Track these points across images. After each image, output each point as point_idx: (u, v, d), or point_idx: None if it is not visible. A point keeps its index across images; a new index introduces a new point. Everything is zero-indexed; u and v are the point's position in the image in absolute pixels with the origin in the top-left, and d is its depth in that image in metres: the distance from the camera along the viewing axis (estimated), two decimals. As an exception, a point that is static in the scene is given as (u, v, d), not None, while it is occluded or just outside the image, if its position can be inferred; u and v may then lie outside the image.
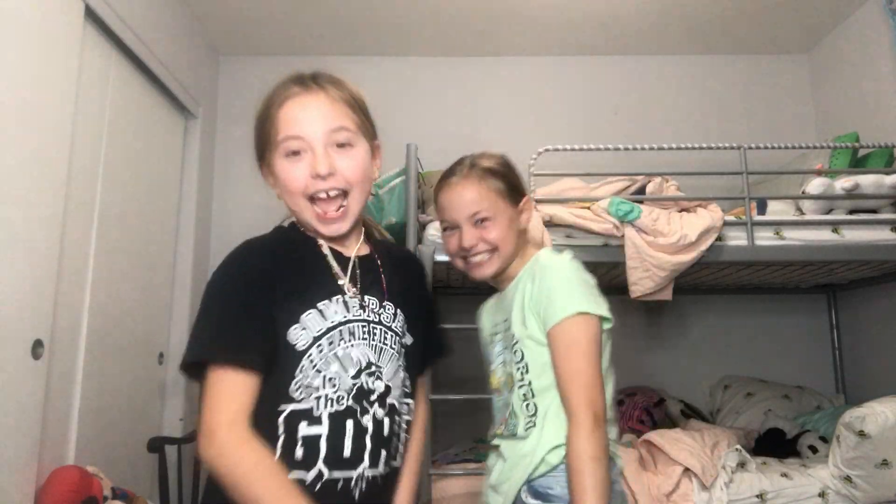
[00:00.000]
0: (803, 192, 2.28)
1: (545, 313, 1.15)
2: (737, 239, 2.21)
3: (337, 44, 3.17)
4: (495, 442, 1.24)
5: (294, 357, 0.96)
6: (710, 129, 3.18)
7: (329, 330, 0.99)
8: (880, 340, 2.78)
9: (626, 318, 2.98)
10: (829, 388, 2.99)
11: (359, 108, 1.07)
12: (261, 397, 0.95)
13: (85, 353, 2.04)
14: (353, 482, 0.97)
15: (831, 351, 3.05)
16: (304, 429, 0.95)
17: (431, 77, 3.31)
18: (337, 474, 0.96)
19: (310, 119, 1.02)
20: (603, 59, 3.28)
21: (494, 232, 1.22)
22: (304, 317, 0.98)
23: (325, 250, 1.06)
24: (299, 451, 0.95)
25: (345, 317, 1.01)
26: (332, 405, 0.97)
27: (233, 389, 0.93)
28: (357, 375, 1.00)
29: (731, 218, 2.23)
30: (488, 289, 1.34)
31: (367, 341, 1.03)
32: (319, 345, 0.98)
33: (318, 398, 0.96)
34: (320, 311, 1.00)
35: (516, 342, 1.19)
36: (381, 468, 1.00)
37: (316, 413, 0.96)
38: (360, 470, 0.97)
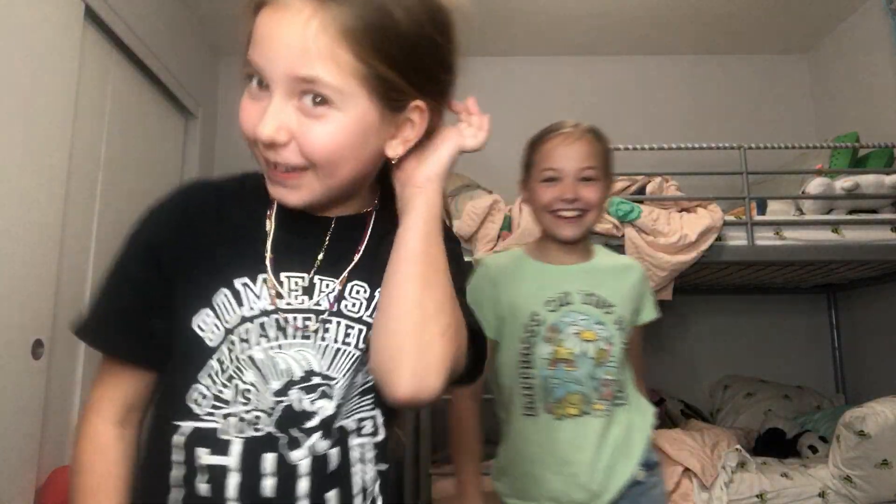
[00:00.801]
0: (803, 192, 2.28)
1: (642, 309, 1.34)
2: (737, 239, 2.21)
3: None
4: (596, 408, 1.24)
5: (200, 355, 0.70)
6: (710, 129, 3.17)
7: (244, 321, 0.70)
8: (880, 340, 2.78)
9: (626, 318, 2.98)
10: (829, 388, 2.99)
11: (383, 45, 0.67)
12: (158, 401, 0.73)
13: (85, 353, 2.04)
14: None
15: (831, 351, 3.04)
16: (205, 456, 0.68)
17: (431, 77, 3.30)
18: None
19: (276, 45, 0.66)
20: (603, 59, 3.28)
21: (595, 193, 1.25)
22: (215, 299, 0.70)
23: (271, 218, 0.74)
24: (203, 487, 0.68)
25: (271, 304, 0.71)
26: (245, 429, 0.69)
27: (112, 379, 0.73)
28: (284, 391, 0.70)
29: (731, 218, 2.23)
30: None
31: (310, 341, 0.71)
32: (231, 341, 0.70)
33: (228, 416, 0.69)
34: (235, 293, 0.70)
35: (622, 322, 1.26)
36: None
37: (222, 436, 0.68)
38: None
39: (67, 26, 1.94)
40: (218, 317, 0.70)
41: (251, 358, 0.69)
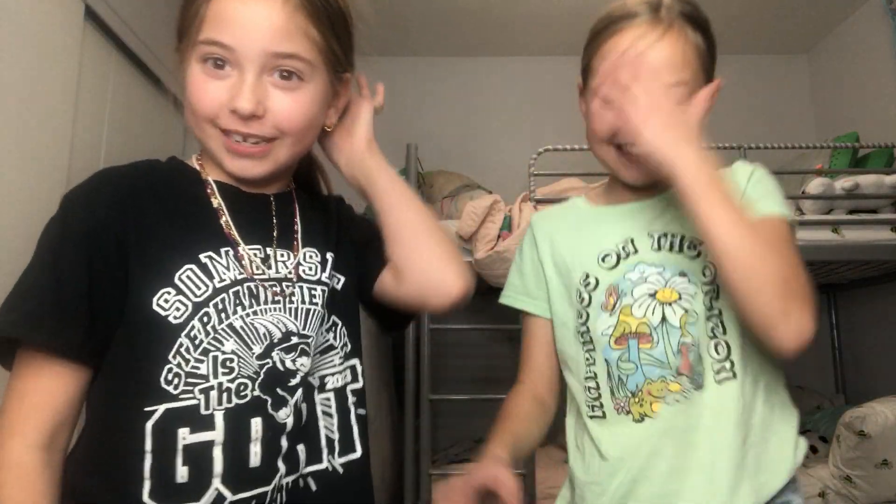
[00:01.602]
0: (803, 192, 2.28)
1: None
2: (737, 239, 2.20)
3: (337, 44, 3.18)
4: (653, 412, 0.86)
5: (166, 334, 0.68)
6: (710, 129, 3.17)
7: (218, 292, 0.70)
8: (880, 340, 2.78)
9: (626, 318, 2.97)
10: (829, 388, 2.99)
11: (332, 23, 0.76)
12: (112, 396, 0.68)
13: None
14: (268, 498, 0.69)
15: (831, 351, 3.04)
16: (185, 436, 0.66)
17: (431, 77, 3.31)
18: (244, 495, 0.68)
19: (250, 26, 0.70)
20: (603, 59, 3.28)
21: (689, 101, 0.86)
22: (179, 275, 0.69)
23: (211, 188, 0.77)
24: (182, 471, 0.66)
25: (240, 274, 0.72)
26: (228, 399, 0.68)
27: (36, 390, 0.66)
28: (266, 353, 0.71)
29: (731, 218, 2.22)
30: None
31: (279, 305, 0.74)
32: (205, 314, 0.69)
33: (207, 391, 0.67)
34: (203, 267, 0.71)
35: (707, 263, 0.87)
36: (299, 473, 0.73)
37: (204, 412, 0.67)
38: (274, 482, 0.69)
39: (67, 26, 1.94)
40: (183, 293, 0.69)
41: (231, 326, 0.70)
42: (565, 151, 2.34)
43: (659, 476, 0.85)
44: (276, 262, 0.77)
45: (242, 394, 0.69)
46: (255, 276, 0.74)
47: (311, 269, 0.80)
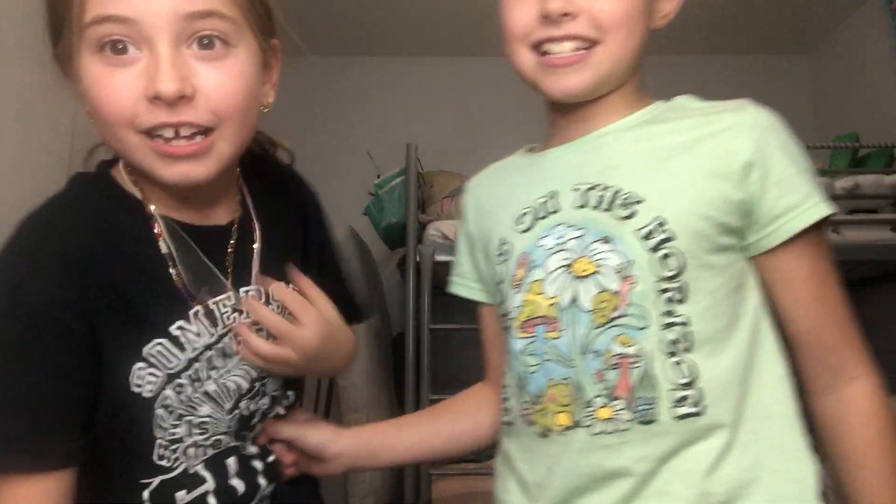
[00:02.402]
0: (803, 192, 2.28)
1: (760, 209, 0.67)
2: (737, 239, 2.20)
3: (336, 43, 3.17)
4: (602, 415, 0.65)
5: (142, 409, 0.64)
6: (710, 129, 3.18)
7: (192, 362, 0.66)
8: (880, 340, 2.77)
9: (626, 318, 2.97)
10: (829, 388, 2.99)
11: None
12: (106, 473, 0.65)
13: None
14: None
15: (831, 351, 3.04)
16: (183, 497, 0.66)
17: (431, 77, 3.31)
18: None
19: None
20: (603, 59, 3.29)
21: (610, 2, 0.69)
22: (148, 350, 0.63)
23: (163, 238, 0.65)
24: None
25: (212, 335, 0.67)
26: (205, 452, 0.68)
27: (30, 500, 0.59)
28: (235, 405, 0.70)
29: (731, 218, 2.22)
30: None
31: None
32: (178, 385, 0.65)
33: (187, 450, 0.67)
34: (174, 340, 0.65)
35: (665, 233, 0.65)
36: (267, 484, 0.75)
37: (191, 471, 0.67)
38: (258, 497, 0.73)
39: (67, 26, 1.94)
40: (154, 366, 0.64)
41: (205, 393, 0.67)
42: (565, 151, 2.33)
43: None
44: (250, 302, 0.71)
45: (218, 446, 0.70)
46: (225, 331, 0.69)
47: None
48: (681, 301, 0.65)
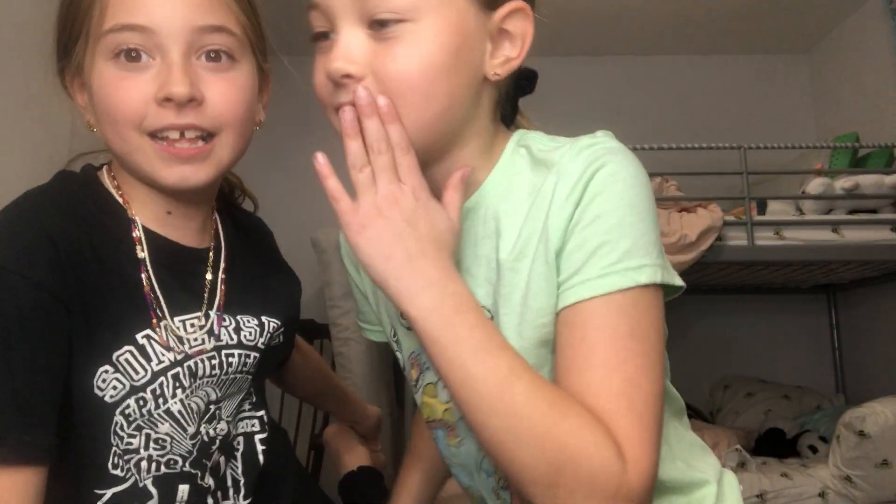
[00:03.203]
0: (803, 192, 2.28)
1: (565, 266, 0.59)
2: (737, 239, 2.20)
3: (337, 44, 3.18)
4: None
5: (102, 413, 0.63)
6: (710, 129, 3.17)
7: (156, 376, 0.65)
8: (880, 340, 2.78)
9: (626, 318, 2.97)
10: (829, 388, 2.99)
11: (252, 5, 0.69)
12: (66, 476, 0.63)
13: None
14: None
15: (831, 351, 3.04)
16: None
17: (431, 77, 3.30)
18: None
19: (165, 1, 0.62)
20: (602, 59, 3.28)
21: (410, 51, 0.58)
22: (117, 356, 0.63)
23: (140, 244, 0.67)
24: None
25: (181, 352, 0.67)
26: (157, 468, 0.67)
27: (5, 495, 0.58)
28: (197, 430, 0.69)
29: (731, 218, 2.23)
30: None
31: (215, 378, 0.70)
32: (141, 398, 0.65)
33: (139, 462, 0.65)
34: (141, 349, 0.65)
35: (532, 326, 0.60)
36: None
37: (140, 484, 0.66)
38: None
39: (67, 26, 1.94)
40: (120, 372, 0.64)
41: (168, 411, 0.66)
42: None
43: None
44: (218, 327, 0.71)
45: (172, 466, 0.68)
46: (194, 352, 0.68)
47: (250, 333, 0.73)
48: None
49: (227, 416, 0.73)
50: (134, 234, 0.67)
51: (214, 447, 0.71)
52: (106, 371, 0.63)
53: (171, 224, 0.70)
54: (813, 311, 3.09)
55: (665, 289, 0.58)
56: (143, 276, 0.66)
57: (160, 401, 0.66)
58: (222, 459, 0.73)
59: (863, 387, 2.82)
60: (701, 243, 2.13)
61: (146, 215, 0.69)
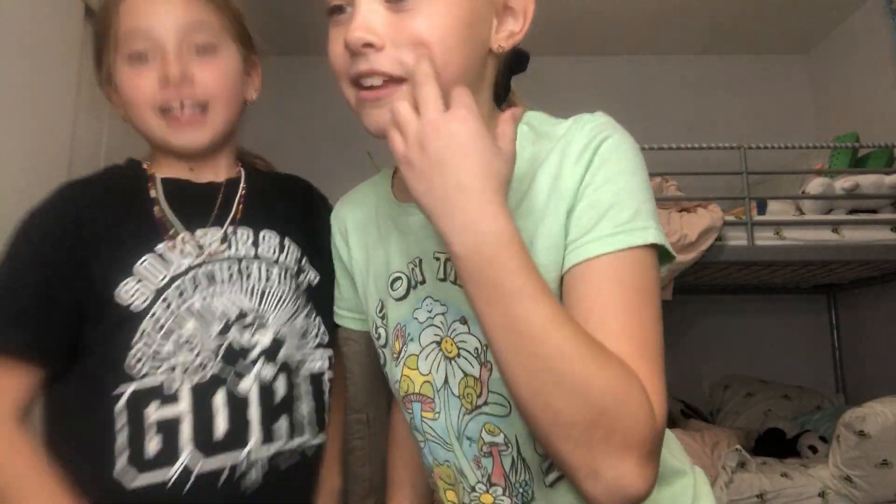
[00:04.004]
0: (803, 192, 2.28)
1: (572, 232, 0.62)
2: (737, 239, 2.20)
3: (337, 44, 3.18)
4: (450, 499, 0.70)
5: (129, 321, 0.74)
6: (710, 129, 3.17)
7: (177, 277, 0.77)
8: (880, 340, 2.78)
9: (626, 318, 2.97)
10: (829, 388, 2.99)
11: (227, 7, 0.87)
12: (81, 384, 0.74)
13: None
14: (240, 470, 0.73)
15: (831, 351, 3.04)
16: (154, 412, 0.72)
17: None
18: (214, 463, 0.72)
19: (159, 12, 0.82)
20: (602, 58, 3.28)
21: (430, 20, 0.62)
22: (138, 266, 0.76)
23: (155, 185, 0.84)
24: (152, 444, 0.71)
25: (198, 258, 0.79)
26: (193, 375, 0.74)
27: (4, 383, 0.74)
28: (224, 331, 0.77)
29: (731, 218, 2.23)
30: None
31: (237, 285, 0.79)
32: (165, 298, 0.76)
33: (173, 368, 0.73)
34: (160, 256, 0.78)
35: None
36: (282, 444, 0.77)
37: (170, 389, 0.73)
38: (248, 449, 0.74)
39: (67, 26, 1.94)
40: (142, 281, 0.76)
41: (190, 309, 0.77)
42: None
43: None
44: (238, 240, 0.83)
45: (203, 371, 0.75)
46: (212, 259, 0.80)
47: (268, 249, 0.84)
48: None
49: (277, 329, 0.80)
50: (149, 184, 0.85)
51: (253, 355, 0.77)
52: (128, 283, 0.76)
53: (192, 171, 0.88)
54: (813, 311, 3.09)
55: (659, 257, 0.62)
56: (154, 207, 0.83)
57: (183, 297, 0.77)
58: (283, 383, 0.78)
59: (863, 387, 2.82)
60: (701, 243, 2.13)
61: (173, 168, 0.88)
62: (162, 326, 0.75)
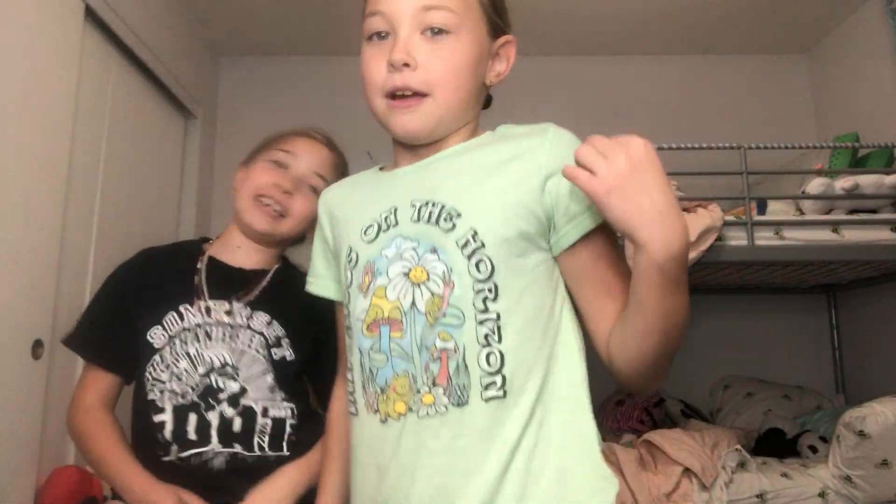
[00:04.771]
0: (803, 192, 2.28)
1: (558, 215, 0.79)
2: (737, 239, 2.20)
3: (338, 44, 3.17)
4: (426, 401, 0.76)
5: (151, 354, 1.07)
6: (710, 129, 3.17)
7: (185, 330, 1.08)
8: (880, 340, 2.78)
9: (626, 318, 2.97)
10: (829, 388, 2.99)
11: None
12: (135, 387, 1.11)
13: (85, 353, 2.05)
14: (208, 457, 1.04)
15: (831, 351, 3.04)
16: (155, 416, 1.05)
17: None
18: (189, 451, 1.04)
19: None
20: (603, 59, 3.28)
21: (451, 54, 0.83)
22: (165, 318, 1.09)
23: (202, 262, 1.14)
24: (156, 434, 1.05)
25: (203, 320, 1.09)
26: (175, 399, 1.05)
27: (92, 382, 1.12)
28: (207, 374, 1.06)
29: (731, 218, 2.23)
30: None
31: (226, 343, 1.08)
32: (173, 343, 1.08)
33: (163, 391, 1.06)
34: (179, 314, 1.09)
35: (478, 243, 0.77)
36: (237, 449, 1.04)
37: (160, 404, 1.06)
38: (210, 447, 1.04)
39: (67, 26, 1.94)
40: (164, 328, 1.09)
41: (187, 352, 1.07)
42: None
43: (396, 495, 0.77)
44: (236, 313, 1.10)
45: (185, 397, 1.06)
46: (213, 322, 1.09)
47: (258, 323, 1.10)
48: (494, 300, 0.76)
49: (244, 381, 1.07)
50: (200, 258, 1.15)
51: (222, 396, 1.05)
52: (157, 328, 1.08)
53: (235, 256, 1.16)
54: (813, 311, 3.10)
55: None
56: (196, 278, 1.13)
57: (185, 345, 1.07)
58: (238, 421, 1.05)
59: (863, 387, 2.82)
60: (701, 243, 2.13)
61: (220, 251, 1.17)
62: (165, 361, 1.07)
